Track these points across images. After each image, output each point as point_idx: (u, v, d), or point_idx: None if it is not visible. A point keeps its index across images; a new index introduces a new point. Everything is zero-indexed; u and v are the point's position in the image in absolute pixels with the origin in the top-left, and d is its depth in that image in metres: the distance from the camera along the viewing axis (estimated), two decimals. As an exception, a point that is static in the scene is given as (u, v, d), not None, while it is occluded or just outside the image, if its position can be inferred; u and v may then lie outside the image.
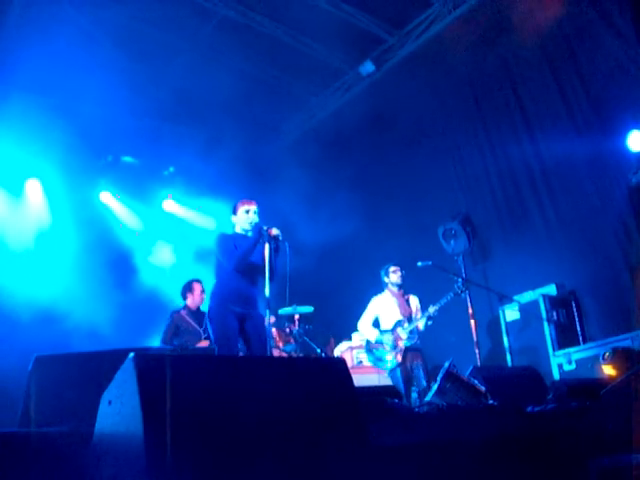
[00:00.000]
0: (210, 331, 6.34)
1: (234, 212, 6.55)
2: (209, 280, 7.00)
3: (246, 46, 10.08)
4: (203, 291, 8.69)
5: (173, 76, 9.98)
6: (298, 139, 12.37)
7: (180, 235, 12.22)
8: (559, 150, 8.68)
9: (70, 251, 10.34)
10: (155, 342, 8.59)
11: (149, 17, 9.19)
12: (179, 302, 8.88)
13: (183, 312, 8.58)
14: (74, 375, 4.01)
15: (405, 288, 8.40)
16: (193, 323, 8.47)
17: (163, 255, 11.87)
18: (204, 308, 8.40)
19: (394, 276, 8.33)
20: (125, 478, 2.25)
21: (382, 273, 8.47)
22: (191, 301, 8.68)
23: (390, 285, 8.36)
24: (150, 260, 11.65)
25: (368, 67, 10.37)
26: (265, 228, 6.14)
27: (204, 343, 8.20)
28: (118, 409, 2.41)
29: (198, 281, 8.80)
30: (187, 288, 8.76)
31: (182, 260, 11.88)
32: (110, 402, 2.50)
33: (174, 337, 8.33)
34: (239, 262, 6.18)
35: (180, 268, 11.53)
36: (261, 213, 6.50)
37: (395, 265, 8.41)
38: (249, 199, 6.58)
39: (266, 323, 6.00)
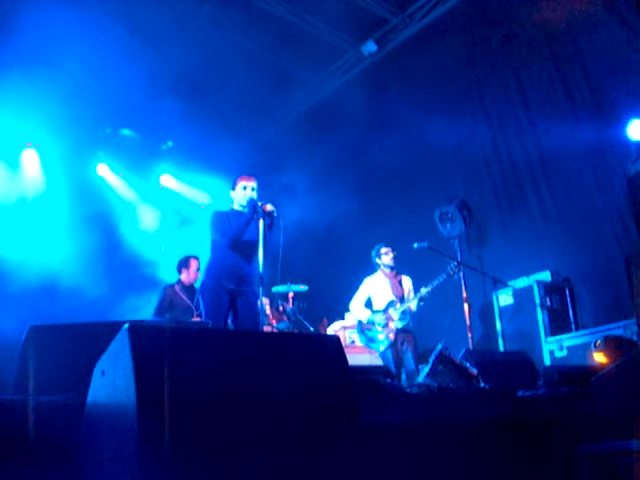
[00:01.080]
0: (201, 305, 6.36)
1: (233, 187, 6.54)
2: (202, 254, 6.99)
3: (248, 23, 10.00)
4: (199, 269, 8.65)
5: (174, 51, 9.88)
6: (298, 118, 12.32)
7: (174, 208, 12.22)
8: (558, 137, 8.66)
9: (65, 222, 10.31)
10: (147, 313, 8.56)
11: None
12: (173, 274, 8.87)
13: (177, 287, 8.56)
14: (69, 345, 4.01)
15: (398, 269, 8.38)
16: (186, 298, 8.45)
17: (148, 219, 11.85)
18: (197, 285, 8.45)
19: (386, 257, 8.29)
20: (118, 449, 2.25)
21: (373, 254, 8.41)
22: (185, 277, 8.65)
23: (382, 266, 8.32)
24: (139, 226, 11.63)
25: (370, 47, 10.31)
26: (260, 204, 6.13)
27: (196, 319, 8.19)
28: (111, 380, 2.41)
29: (195, 258, 8.73)
30: (183, 264, 8.71)
31: (174, 232, 11.86)
32: (103, 372, 2.50)
33: (167, 311, 8.32)
34: (233, 238, 6.19)
35: (172, 242, 11.52)
36: (258, 190, 6.48)
37: (386, 246, 8.35)
38: (249, 175, 6.55)
39: (259, 300, 6.01)
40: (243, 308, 6.24)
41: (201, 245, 7.37)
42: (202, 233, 7.38)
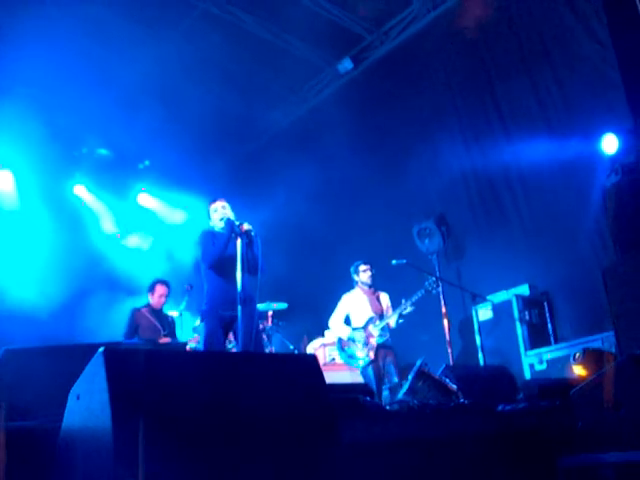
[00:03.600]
0: (201, 328, 6.37)
1: (208, 216, 6.65)
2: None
3: (225, 41, 10.01)
4: (163, 295, 8.61)
5: (151, 69, 9.87)
6: (275, 135, 12.34)
7: (152, 227, 12.20)
8: (534, 152, 8.71)
9: (41, 244, 10.22)
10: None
11: (125, 9, 9.10)
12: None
13: (144, 310, 8.50)
14: (44, 369, 3.97)
15: (376, 286, 8.39)
16: (153, 320, 8.42)
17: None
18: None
19: (364, 275, 8.28)
20: (93, 474, 2.22)
21: (352, 270, 8.42)
22: (152, 301, 8.61)
23: (360, 283, 8.33)
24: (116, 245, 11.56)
25: (346, 64, 10.36)
26: (237, 223, 6.17)
27: (164, 340, 8.21)
28: (87, 404, 2.39)
29: (162, 283, 8.69)
30: (150, 288, 8.68)
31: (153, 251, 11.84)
32: (79, 397, 2.47)
33: (135, 333, 8.28)
34: (215, 259, 6.20)
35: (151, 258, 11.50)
36: (235, 208, 6.50)
37: (365, 264, 8.34)
38: (214, 199, 6.65)
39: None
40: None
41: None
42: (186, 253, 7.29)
